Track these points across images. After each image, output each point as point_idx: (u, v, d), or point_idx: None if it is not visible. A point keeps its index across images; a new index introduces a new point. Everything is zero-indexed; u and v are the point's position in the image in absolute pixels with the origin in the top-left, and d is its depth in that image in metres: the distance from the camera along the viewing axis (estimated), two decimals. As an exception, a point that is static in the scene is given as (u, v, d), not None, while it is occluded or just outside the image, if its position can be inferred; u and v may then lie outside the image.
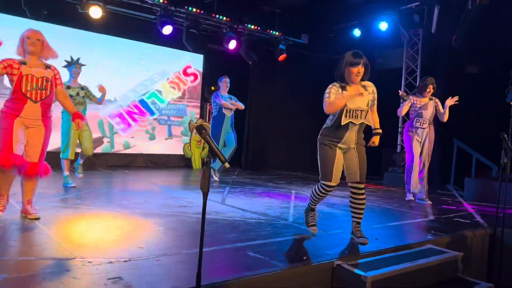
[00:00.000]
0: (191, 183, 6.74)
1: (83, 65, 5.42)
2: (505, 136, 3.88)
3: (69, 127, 5.15)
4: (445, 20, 7.10)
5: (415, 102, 5.84)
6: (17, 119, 3.29)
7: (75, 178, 5.50)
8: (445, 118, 5.71)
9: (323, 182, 3.25)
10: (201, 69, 9.33)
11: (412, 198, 5.89)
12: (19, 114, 3.28)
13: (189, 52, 8.65)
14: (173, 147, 8.96)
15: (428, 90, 5.78)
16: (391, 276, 2.71)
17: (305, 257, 2.79)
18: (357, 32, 9.20)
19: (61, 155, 5.26)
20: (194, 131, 9.13)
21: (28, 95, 3.28)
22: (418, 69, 8.55)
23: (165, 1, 7.06)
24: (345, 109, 3.14)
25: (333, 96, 3.19)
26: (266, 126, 9.53)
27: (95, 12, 6.41)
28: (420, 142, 5.78)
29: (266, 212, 4.38)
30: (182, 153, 9.02)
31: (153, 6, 7.25)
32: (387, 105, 8.95)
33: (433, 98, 5.85)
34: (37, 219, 3.40)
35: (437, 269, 3.12)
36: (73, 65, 5.28)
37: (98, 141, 7.96)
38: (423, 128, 5.78)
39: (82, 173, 5.49)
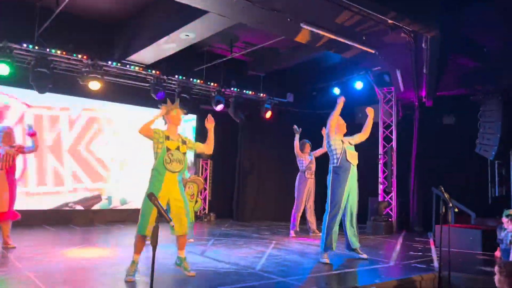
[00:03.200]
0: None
1: None
2: (442, 188, 4.41)
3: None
4: (410, 80, 7.84)
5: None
6: None
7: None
8: None
9: None
10: (194, 128, 10.09)
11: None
12: None
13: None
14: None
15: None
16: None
17: (253, 300, 3.28)
18: (336, 91, 10.01)
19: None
20: (188, 185, 9.72)
21: None
22: (393, 123, 9.22)
23: (157, 72, 7.94)
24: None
25: None
26: (257, 179, 10.13)
27: (94, 85, 7.26)
28: None
29: (238, 262, 4.86)
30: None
31: (147, 76, 8.13)
32: (368, 157, 9.62)
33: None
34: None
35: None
36: None
37: (97, 198, 8.61)
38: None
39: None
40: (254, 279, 4.06)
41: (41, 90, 7.10)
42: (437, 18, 5.30)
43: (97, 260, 4.84)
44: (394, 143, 9.19)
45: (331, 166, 5.23)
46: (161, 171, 4.02)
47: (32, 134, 5.41)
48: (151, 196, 2.57)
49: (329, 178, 5.22)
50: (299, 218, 7.50)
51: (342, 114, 10.47)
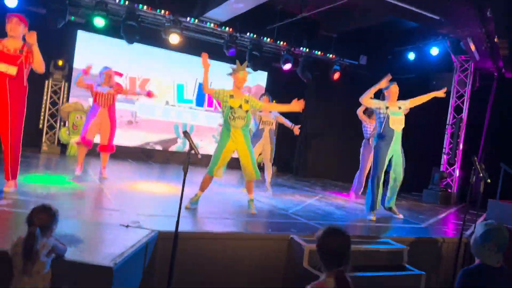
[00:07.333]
0: (238, 180, 8.00)
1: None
2: (475, 158, 4.47)
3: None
4: (484, 50, 7.46)
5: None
6: None
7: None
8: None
9: None
10: (264, 85, 10.64)
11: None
12: None
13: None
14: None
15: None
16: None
17: (270, 230, 3.87)
18: (411, 56, 9.77)
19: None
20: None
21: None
22: (467, 93, 8.85)
23: (231, 29, 8.52)
24: None
25: None
26: (320, 139, 10.49)
27: (174, 38, 8.07)
28: None
29: (275, 205, 5.45)
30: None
31: (222, 33, 8.76)
32: (436, 126, 9.37)
33: None
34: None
35: (384, 255, 3.95)
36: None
37: (173, 141, 9.75)
38: None
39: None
40: (281, 218, 4.64)
41: (130, 41, 8.10)
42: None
43: (162, 192, 5.78)
44: (464, 115, 8.87)
45: (376, 132, 5.47)
46: (227, 126, 4.51)
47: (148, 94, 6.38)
48: (185, 133, 3.21)
49: (374, 143, 5.48)
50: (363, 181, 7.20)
51: (416, 80, 10.24)
